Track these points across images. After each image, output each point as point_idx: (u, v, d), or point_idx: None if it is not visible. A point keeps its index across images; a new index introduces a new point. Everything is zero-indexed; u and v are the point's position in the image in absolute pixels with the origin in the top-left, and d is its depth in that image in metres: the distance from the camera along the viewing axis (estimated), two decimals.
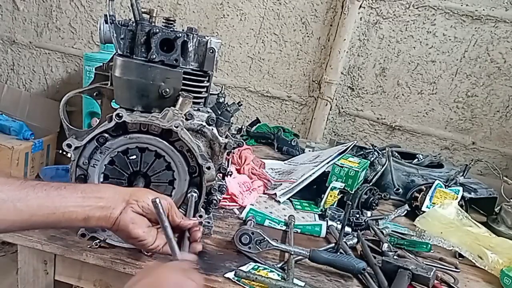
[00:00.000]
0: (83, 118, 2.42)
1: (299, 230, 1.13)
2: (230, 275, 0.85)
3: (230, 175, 1.06)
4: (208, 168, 0.85)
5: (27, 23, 2.78)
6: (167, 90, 0.87)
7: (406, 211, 1.37)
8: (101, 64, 0.98)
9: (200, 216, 0.88)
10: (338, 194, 1.29)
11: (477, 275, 1.07)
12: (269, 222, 1.14)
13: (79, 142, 0.83)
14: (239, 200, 1.21)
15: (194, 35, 0.90)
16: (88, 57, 2.36)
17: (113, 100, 0.94)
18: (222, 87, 1.16)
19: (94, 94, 0.96)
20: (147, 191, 0.78)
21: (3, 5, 2.78)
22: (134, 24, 0.86)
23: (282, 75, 2.48)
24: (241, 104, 1.09)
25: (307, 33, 2.39)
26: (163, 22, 0.90)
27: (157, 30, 0.84)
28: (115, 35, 0.85)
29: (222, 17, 2.47)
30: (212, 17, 2.49)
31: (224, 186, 0.96)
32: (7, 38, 2.83)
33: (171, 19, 0.90)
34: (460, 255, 1.12)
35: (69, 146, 0.83)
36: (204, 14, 2.50)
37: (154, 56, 0.85)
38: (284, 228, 1.14)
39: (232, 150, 0.97)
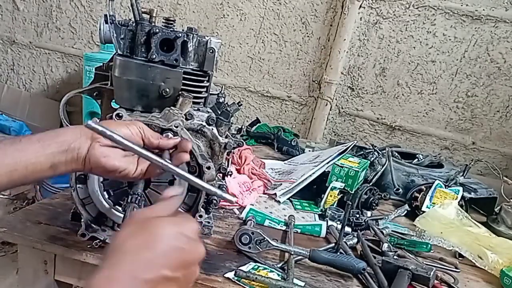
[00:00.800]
0: (83, 118, 2.43)
1: (299, 230, 1.13)
2: (230, 275, 0.85)
3: (230, 175, 1.06)
4: (208, 168, 0.85)
5: (27, 23, 2.78)
6: (167, 90, 0.87)
7: (406, 211, 1.37)
8: (101, 64, 0.98)
9: (200, 216, 0.88)
10: (338, 194, 1.29)
11: (477, 275, 1.07)
12: (269, 222, 1.14)
13: None
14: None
15: (194, 35, 0.90)
16: (88, 57, 2.37)
17: (113, 100, 0.94)
18: (222, 87, 1.16)
19: (94, 94, 0.96)
20: (111, 122, 0.74)
21: (3, 5, 2.78)
22: (134, 24, 0.86)
23: (282, 75, 2.48)
24: (241, 104, 1.09)
25: (307, 33, 2.39)
26: (163, 22, 0.90)
27: (157, 30, 0.84)
28: (115, 35, 0.85)
29: (222, 17, 2.47)
30: (212, 17, 2.49)
31: (224, 186, 0.96)
32: (7, 38, 2.84)
33: (171, 19, 0.90)
34: (460, 255, 1.12)
35: None
36: (204, 14, 2.50)
37: (154, 56, 0.85)
38: (284, 228, 1.14)
39: (232, 150, 0.97)
